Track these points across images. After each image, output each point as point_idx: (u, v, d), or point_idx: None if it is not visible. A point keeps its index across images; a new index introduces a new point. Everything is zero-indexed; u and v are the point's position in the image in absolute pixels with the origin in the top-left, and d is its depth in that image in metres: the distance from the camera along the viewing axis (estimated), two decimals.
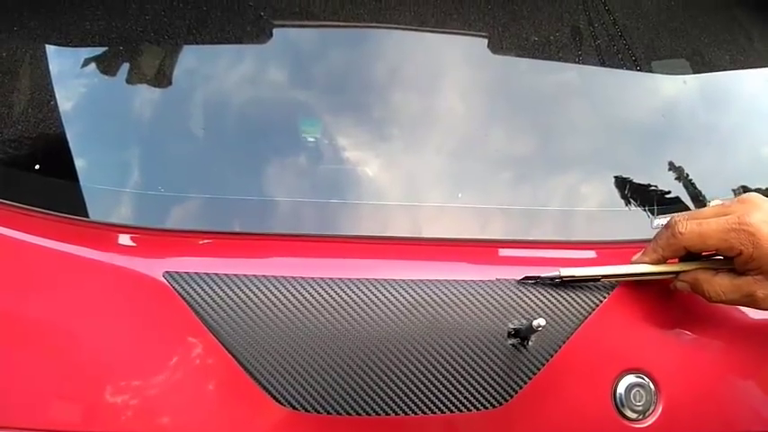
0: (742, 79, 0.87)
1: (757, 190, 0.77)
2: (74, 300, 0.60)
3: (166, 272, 0.59)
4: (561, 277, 0.64)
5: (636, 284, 0.66)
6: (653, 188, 0.75)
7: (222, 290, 0.59)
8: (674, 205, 0.74)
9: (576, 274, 0.64)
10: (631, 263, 0.65)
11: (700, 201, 0.75)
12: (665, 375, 0.64)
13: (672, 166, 0.76)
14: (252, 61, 0.73)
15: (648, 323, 0.65)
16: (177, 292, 0.58)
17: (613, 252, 0.70)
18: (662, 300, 0.66)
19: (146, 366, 0.58)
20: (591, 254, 0.70)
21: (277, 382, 0.58)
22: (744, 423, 0.66)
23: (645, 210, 0.73)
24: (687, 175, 0.76)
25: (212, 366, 0.58)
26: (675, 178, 0.76)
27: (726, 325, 0.67)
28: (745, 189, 0.77)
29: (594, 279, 0.65)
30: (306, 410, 0.58)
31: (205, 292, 0.58)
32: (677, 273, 0.64)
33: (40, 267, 0.62)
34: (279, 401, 0.58)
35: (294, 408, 0.58)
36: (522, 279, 0.65)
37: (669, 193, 0.75)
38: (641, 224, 0.73)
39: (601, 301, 0.64)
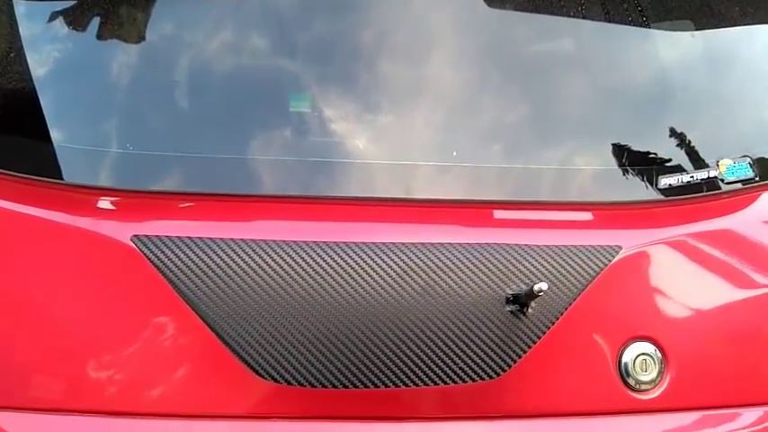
0: (751, 34, 0.82)
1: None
2: (40, 267, 0.56)
3: (134, 235, 0.55)
4: None
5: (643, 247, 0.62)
6: (654, 149, 0.70)
7: (197, 254, 0.55)
8: (675, 166, 0.70)
9: None
10: None
11: (701, 162, 0.71)
12: (673, 343, 0.61)
13: (674, 127, 0.72)
14: (230, 14, 0.68)
15: (656, 288, 0.62)
16: (146, 256, 0.54)
17: (610, 214, 0.67)
18: (670, 263, 0.63)
19: (114, 337, 0.54)
20: (587, 215, 0.67)
21: (257, 354, 0.54)
22: (755, 396, 0.63)
23: (644, 171, 0.69)
24: (690, 135, 0.72)
25: (186, 337, 0.54)
26: (678, 139, 0.72)
27: (741, 290, 0.64)
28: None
29: None
30: (289, 383, 0.54)
31: (177, 256, 0.54)
32: None
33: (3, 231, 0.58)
34: (260, 374, 0.54)
35: (276, 381, 0.54)
36: None
37: (671, 154, 0.70)
38: (639, 185, 0.68)
39: (606, 265, 0.60)
